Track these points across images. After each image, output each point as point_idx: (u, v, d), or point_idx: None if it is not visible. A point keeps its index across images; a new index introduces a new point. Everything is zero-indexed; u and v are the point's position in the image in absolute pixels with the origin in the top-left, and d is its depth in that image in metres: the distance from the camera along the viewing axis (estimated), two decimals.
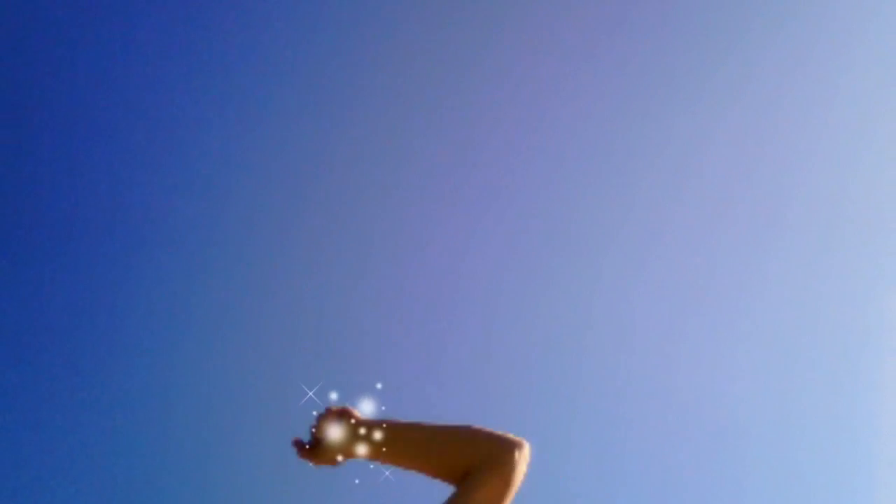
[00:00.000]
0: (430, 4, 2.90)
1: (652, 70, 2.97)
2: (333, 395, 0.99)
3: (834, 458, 2.92)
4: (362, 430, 0.96)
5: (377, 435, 0.96)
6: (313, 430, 0.97)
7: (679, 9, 2.98)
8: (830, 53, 2.95)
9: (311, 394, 1.00)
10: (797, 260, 2.98)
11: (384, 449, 0.96)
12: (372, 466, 1.00)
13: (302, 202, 2.82)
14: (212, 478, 2.72)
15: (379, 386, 1.00)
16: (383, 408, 0.99)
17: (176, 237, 2.81)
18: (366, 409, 0.99)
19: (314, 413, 0.99)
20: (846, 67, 2.95)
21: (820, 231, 2.98)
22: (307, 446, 0.97)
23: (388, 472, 1.04)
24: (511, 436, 0.94)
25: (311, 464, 0.98)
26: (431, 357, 2.86)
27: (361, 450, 0.96)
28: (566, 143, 3.00)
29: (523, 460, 0.93)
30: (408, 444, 0.96)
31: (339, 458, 0.97)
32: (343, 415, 0.98)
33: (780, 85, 2.97)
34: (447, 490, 0.95)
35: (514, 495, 0.91)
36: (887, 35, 2.90)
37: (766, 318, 3.01)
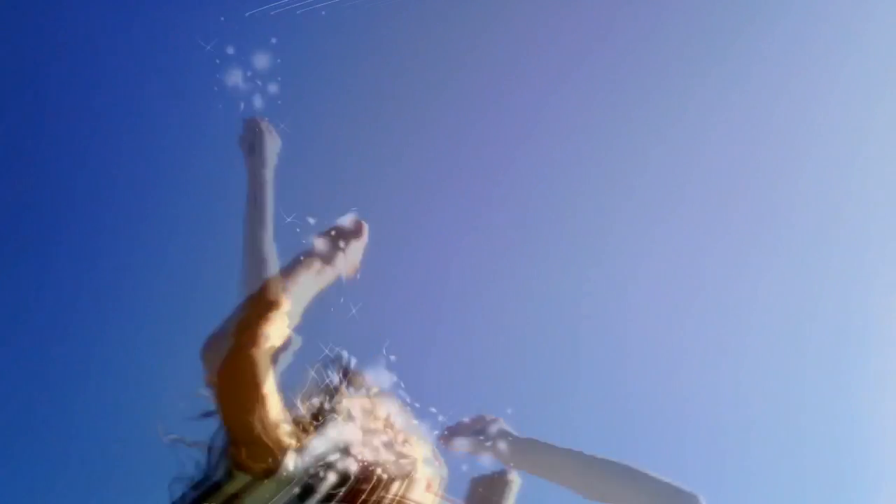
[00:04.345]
0: (430, 4, 2.89)
1: (651, 68, 2.97)
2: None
3: (834, 458, 2.93)
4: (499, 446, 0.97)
5: (519, 460, 0.97)
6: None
7: (678, 7, 2.98)
8: (831, 52, 2.96)
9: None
10: (798, 259, 2.99)
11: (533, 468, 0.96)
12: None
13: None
14: None
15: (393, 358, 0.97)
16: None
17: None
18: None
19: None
20: (846, 66, 2.96)
21: (820, 230, 2.99)
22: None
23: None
24: (684, 490, 0.90)
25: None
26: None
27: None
28: (566, 143, 3.00)
29: None
30: (557, 469, 0.96)
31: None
32: (477, 428, 1.01)
33: (781, 83, 2.97)
34: None
35: None
36: (888, 35, 2.90)
37: (766, 318, 3.02)
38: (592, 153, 2.98)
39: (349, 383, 0.93)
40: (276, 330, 0.88)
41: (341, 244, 1.01)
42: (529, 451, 0.99)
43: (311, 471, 0.82)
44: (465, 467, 1.00)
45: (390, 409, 0.93)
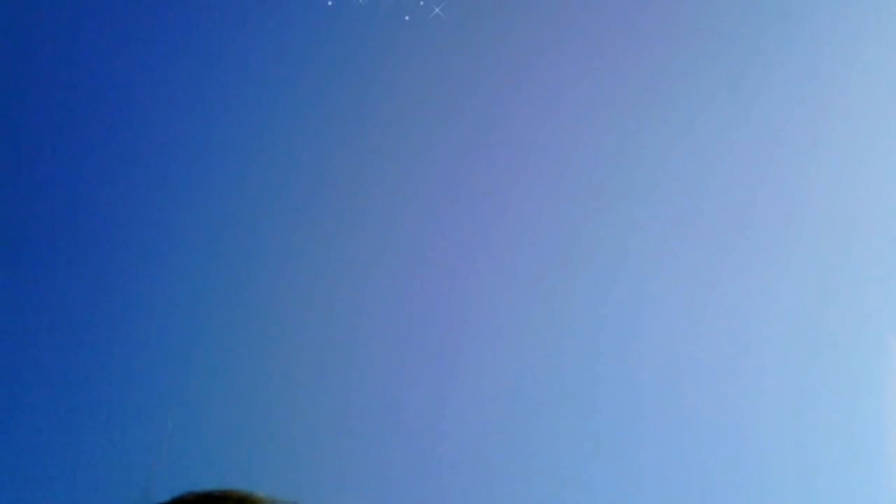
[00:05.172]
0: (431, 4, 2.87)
1: (659, 71, 2.95)
2: None
3: (840, 462, 2.91)
4: None
5: None
6: None
7: (688, 8, 2.96)
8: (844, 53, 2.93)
9: None
10: (808, 265, 2.96)
11: None
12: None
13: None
14: None
15: None
16: None
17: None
18: None
19: None
20: (858, 68, 2.93)
21: (831, 236, 2.97)
22: None
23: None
24: None
25: None
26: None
27: None
28: (572, 146, 2.98)
29: None
30: None
31: None
32: None
33: (793, 87, 2.94)
34: None
35: None
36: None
37: (776, 324, 2.99)
38: (598, 155, 2.97)
39: None
40: None
41: None
42: None
43: None
44: None
45: None
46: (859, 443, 2.91)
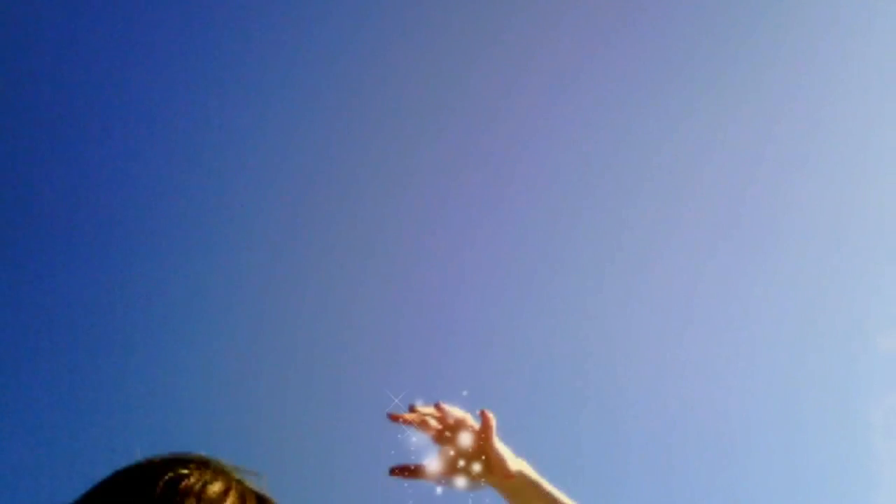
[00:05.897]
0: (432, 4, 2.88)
1: (655, 71, 2.96)
2: (419, 403, 0.80)
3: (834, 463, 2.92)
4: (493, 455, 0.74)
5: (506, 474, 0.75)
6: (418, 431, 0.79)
7: (684, 8, 2.97)
8: (838, 54, 2.94)
9: (396, 401, 0.80)
10: (798, 265, 2.97)
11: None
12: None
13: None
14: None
15: (465, 393, 0.81)
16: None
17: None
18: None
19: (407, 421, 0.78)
20: (854, 68, 2.94)
21: (821, 236, 2.98)
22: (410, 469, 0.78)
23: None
24: None
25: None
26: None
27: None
28: (569, 146, 2.99)
29: None
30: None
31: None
32: (458, 427, 0.76)
33: (787, 87, 2.95)
34: None
35: None
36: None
37: (765, 323, 3.00)
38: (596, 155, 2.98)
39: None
40: None
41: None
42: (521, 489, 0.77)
43: None
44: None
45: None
46: (848, 441, 2.92)
